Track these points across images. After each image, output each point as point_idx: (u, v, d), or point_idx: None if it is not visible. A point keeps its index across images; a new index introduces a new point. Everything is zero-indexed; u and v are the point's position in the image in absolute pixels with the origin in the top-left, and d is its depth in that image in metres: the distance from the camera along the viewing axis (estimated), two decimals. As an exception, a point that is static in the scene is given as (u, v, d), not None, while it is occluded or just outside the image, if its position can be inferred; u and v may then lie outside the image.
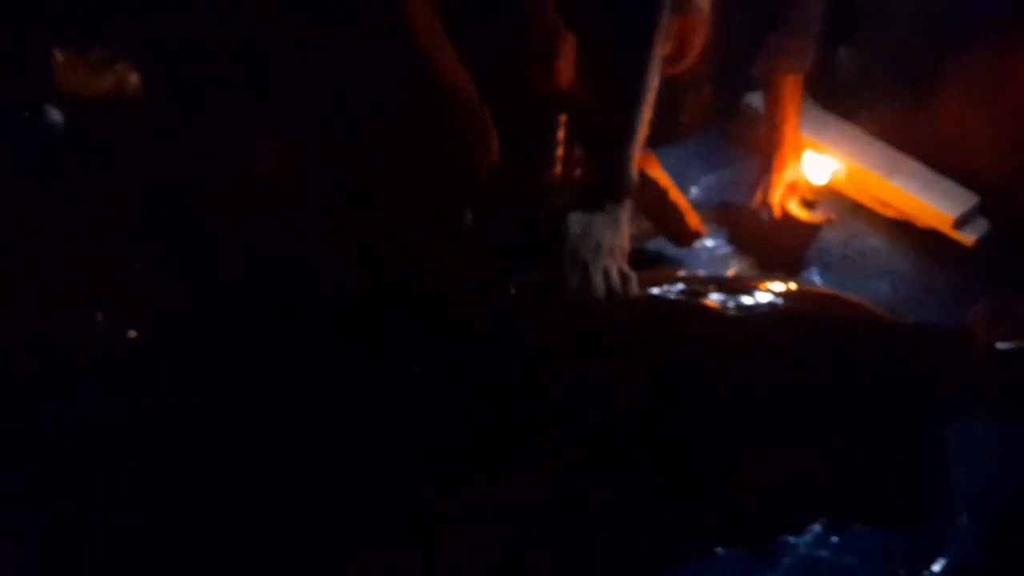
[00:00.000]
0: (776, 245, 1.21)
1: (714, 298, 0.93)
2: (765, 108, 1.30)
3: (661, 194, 1.12)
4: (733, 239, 1.23)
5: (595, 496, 0.81)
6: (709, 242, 1.20)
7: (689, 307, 0.91)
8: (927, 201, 1.31)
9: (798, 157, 1.25)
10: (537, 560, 0.78)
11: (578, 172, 1.08)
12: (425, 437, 0.81)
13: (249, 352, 0.87)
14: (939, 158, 1.37)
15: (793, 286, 1.00)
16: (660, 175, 1.13)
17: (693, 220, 1.13)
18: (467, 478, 0.80)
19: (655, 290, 0.93)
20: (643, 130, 0.99)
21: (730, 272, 1.18)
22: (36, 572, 0.72)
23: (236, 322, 0.89)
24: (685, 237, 1.15)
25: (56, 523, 0.73)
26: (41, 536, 0.73)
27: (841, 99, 1.46)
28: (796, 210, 1.19)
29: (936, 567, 0.84)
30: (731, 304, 0.94)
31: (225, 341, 0.88)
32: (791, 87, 1.24)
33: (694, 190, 1.33)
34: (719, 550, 0.82)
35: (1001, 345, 1.00)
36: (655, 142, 1.52)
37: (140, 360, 0.87)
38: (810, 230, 1.20)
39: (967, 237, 1.30)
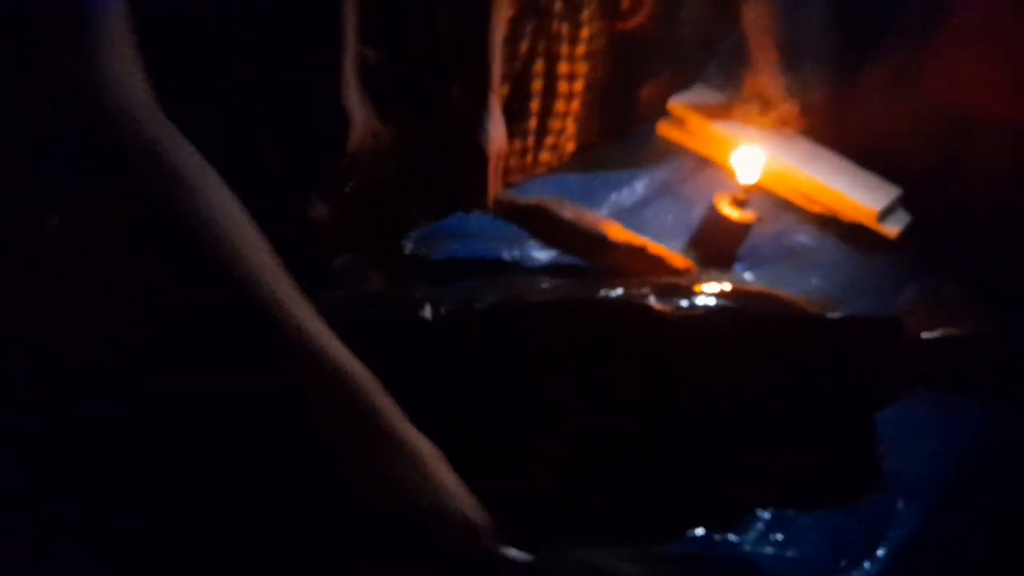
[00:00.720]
0: (708, 245, 1.23)
1: (651, 300, 0.93)
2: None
3: (638, 253, 1.12)
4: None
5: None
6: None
7: (627, 308, 0.92)
8: (851, 196, 1.35)
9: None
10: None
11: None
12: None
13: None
14: (861, 151, 1.41)
15: (727, 286, 1.01)
16: (628, 236, 1.13)
17: (678, 261, 1.12)
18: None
19: (595, 293, 0.94)
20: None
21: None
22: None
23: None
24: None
25: (56, 523, 0.70)
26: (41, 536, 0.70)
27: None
28: (727, 209, 1.21)
29: (879, 552, 0.86)
30: (667, 305, 0.95)
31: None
32: None
33: (625, 192, 1.35)
34: (663, 550, 0.82)
35: (929, 331, 1.03)
36: (613, 135, 1.58)
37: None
38: (741, 229, 1.21)
39: (890, 230, 1.33)
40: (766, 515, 0.88)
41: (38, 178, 0.52)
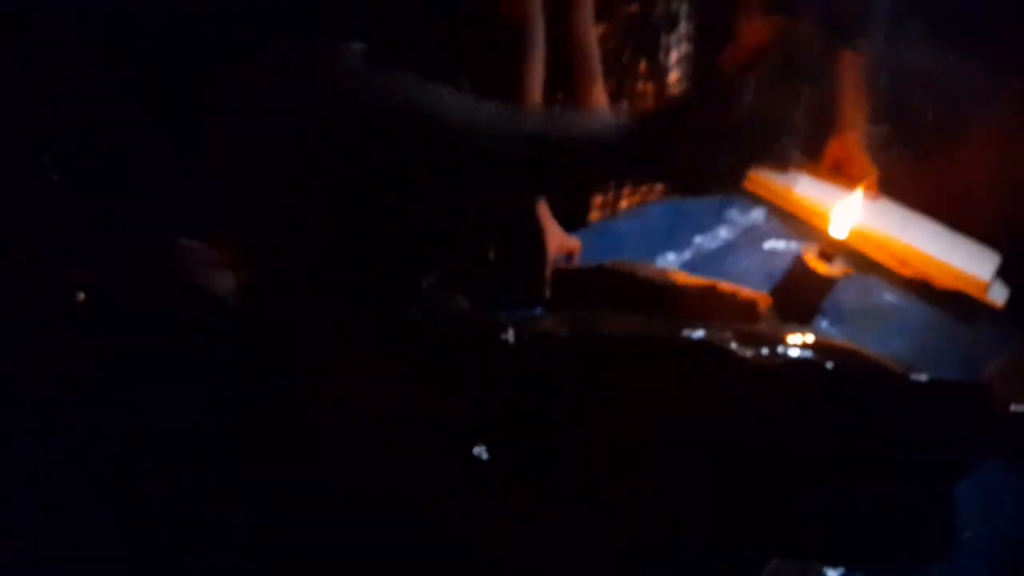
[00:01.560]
0: (793, 297, 1.22)
1: (732, 344, 0.93)
2: None
3: (708, 294, 1.11)
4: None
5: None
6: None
7: (706, 350, 0.92)
8: (956, 263, 1.32)
9: None
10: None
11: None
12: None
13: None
14: (952, 215, 1.39)
15: (810, 338, 1.01)
16: (696, 280, 1.13)
17: (746, 294, 1.11)
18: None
19: (675, 332, 0.94)
20: None
21: (746, 321, 1.18)
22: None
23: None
24: (751, 318, 1.12)
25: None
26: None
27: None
28: (815, 262, 1.20)
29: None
30: (749, 352, 0.95)
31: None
32: None
33: (709, 237, 1.35)
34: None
35: (1018, 403, 1.00)
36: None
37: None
38: (828, 283, 1.20)
39: (996, 300, 1.30)
40: (837, 574, 0.87)
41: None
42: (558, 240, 1.18)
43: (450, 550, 0.80)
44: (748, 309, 1.08)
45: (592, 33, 1.32)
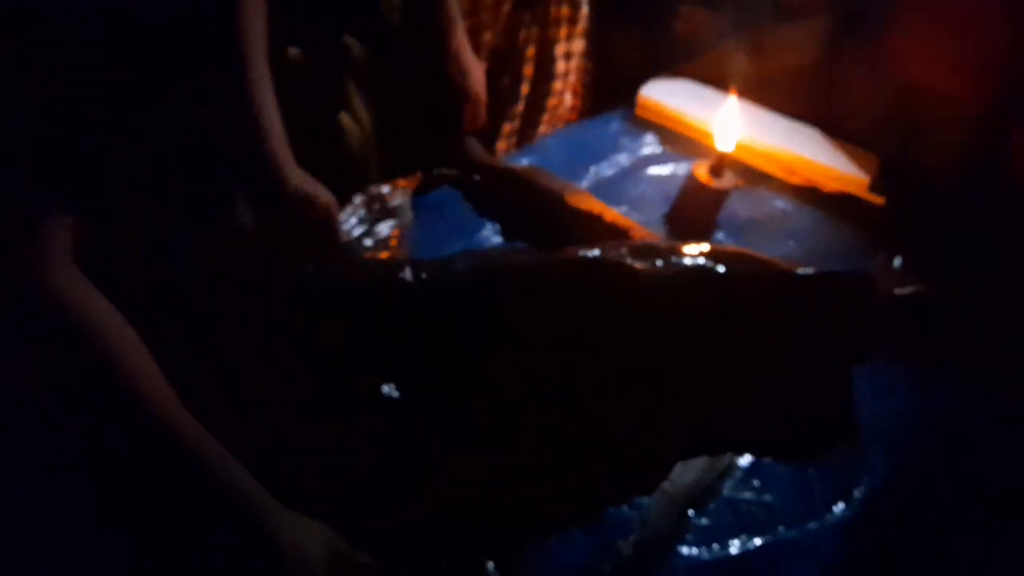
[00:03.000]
0: (688, 214, 1.25)
1: (627, 259, 0.95)
2: None
3: (598, 222, 1.14)
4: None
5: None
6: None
7: (602, 267, 0.94)
8: (839, 167, 1.37)
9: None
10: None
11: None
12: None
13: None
14: (834, 127, 1.44)
15: (705, 247, 1.04)
16: (590, 204, 1.16)
17: (641, 233, 1.14)
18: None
19: (579, 253, 0.96)
20: None
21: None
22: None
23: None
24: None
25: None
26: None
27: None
28: (705, 178, 1.23)
29: (850, 498, 0.88)
30: (647, 266, 0.97)
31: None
32: None
33: (605, 165, 1.37)
34: (644, 499, 0.85)
35: (900, 290, 1.06)
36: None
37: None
38: (719, 196, 1.24)
39: (878, 198, 1.36)
40: (745, 463, 0.91)
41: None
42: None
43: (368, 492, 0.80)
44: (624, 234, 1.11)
45: None
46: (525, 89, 1.62)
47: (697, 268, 0.98)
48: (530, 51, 1.60)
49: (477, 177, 1.21)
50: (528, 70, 1.61)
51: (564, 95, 1.65)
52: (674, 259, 0.98)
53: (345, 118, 1.30)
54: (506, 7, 1.54)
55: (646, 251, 1.00)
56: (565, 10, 1.60)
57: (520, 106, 1.63)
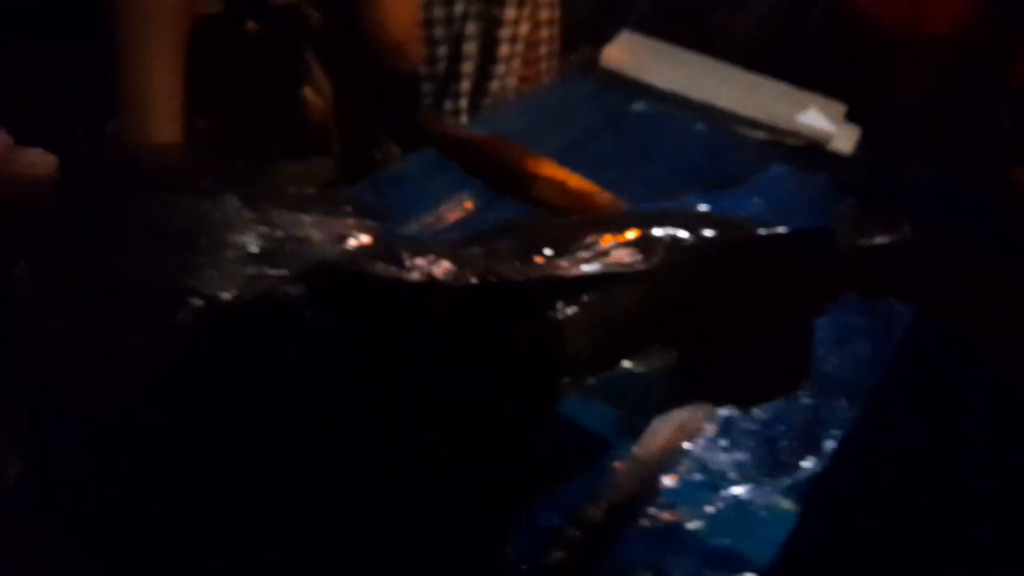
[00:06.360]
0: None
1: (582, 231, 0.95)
2: None
3: (559, 188, 1.14)
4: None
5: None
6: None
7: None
8: (800, 119, 1.37)
9: None
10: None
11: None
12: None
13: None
14: (795, 74, 1.43)
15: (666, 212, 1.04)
16: (552, 171, 1.15)
17: (603, 198, 1.13)
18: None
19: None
20: None
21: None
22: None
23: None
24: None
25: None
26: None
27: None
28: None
29: (820, 448, 0.89)
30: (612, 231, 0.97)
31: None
32: None
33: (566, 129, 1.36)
34: (613, 464, 0.85)
35: (864, 240, 1.06)
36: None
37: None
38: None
39: (844, 146, 1.36)
40: (713, 423, 0.91)
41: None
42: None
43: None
44: (592, 209, 1.11)
45: None
46: (467, 68, 1.57)
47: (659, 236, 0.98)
48: (469, 28, 1.55)
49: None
50: (469, 48, 1.56)
51: (512, 62, 1.60)
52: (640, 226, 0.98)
53: (307, 91, 1.29)
54: None
55: (610, 221, 0.99)
56: None
57: (464, 84, 1.58)
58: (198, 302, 0.73)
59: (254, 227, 0.79)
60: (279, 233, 0.80)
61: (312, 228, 0.82)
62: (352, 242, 0.83)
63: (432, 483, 0.79)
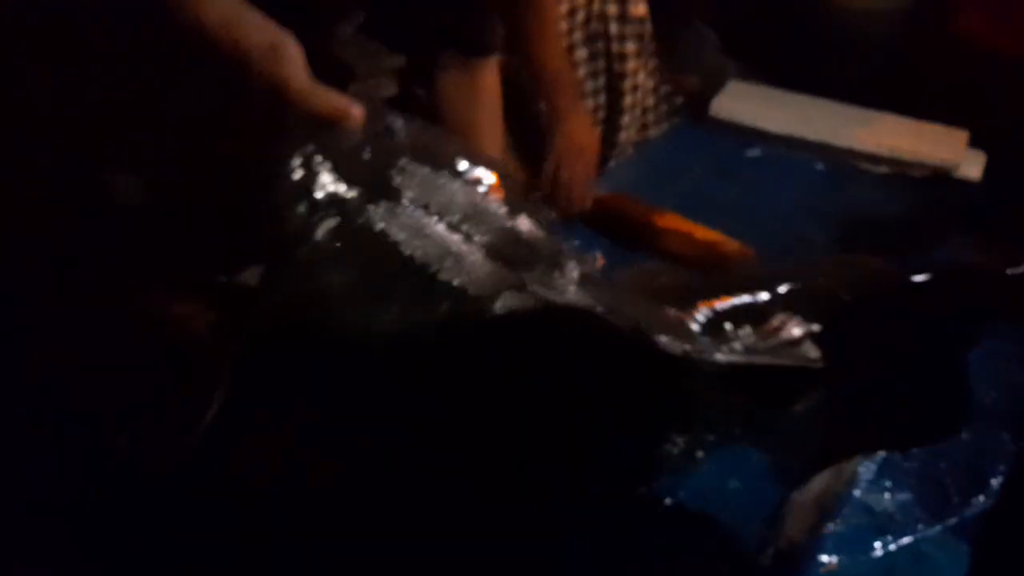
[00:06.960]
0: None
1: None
2: None
3: (686, 240, 1.15)
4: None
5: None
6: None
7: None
8: (924, 151, 1.36)
9: None
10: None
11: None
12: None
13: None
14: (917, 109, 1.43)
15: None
16: (678, 224, 1.17)
17: (731, 246, 1.13)
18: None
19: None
20: None
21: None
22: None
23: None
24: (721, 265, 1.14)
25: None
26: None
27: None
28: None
29: (988, 485, 0.88)
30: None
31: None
32: None
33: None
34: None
35: (1012, 268, 1.05)
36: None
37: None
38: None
39: (972, 173, 1.34)
40: (873, 464, 0.91)
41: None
42: None
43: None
44: (721, 259, 1.11)
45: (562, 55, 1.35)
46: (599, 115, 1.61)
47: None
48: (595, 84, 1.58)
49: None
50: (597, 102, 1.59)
51: (634, 112, 1.62)
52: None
53: None
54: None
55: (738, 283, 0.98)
56: (632, 47, 1.56)
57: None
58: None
59: None
60: None
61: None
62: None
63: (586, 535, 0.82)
